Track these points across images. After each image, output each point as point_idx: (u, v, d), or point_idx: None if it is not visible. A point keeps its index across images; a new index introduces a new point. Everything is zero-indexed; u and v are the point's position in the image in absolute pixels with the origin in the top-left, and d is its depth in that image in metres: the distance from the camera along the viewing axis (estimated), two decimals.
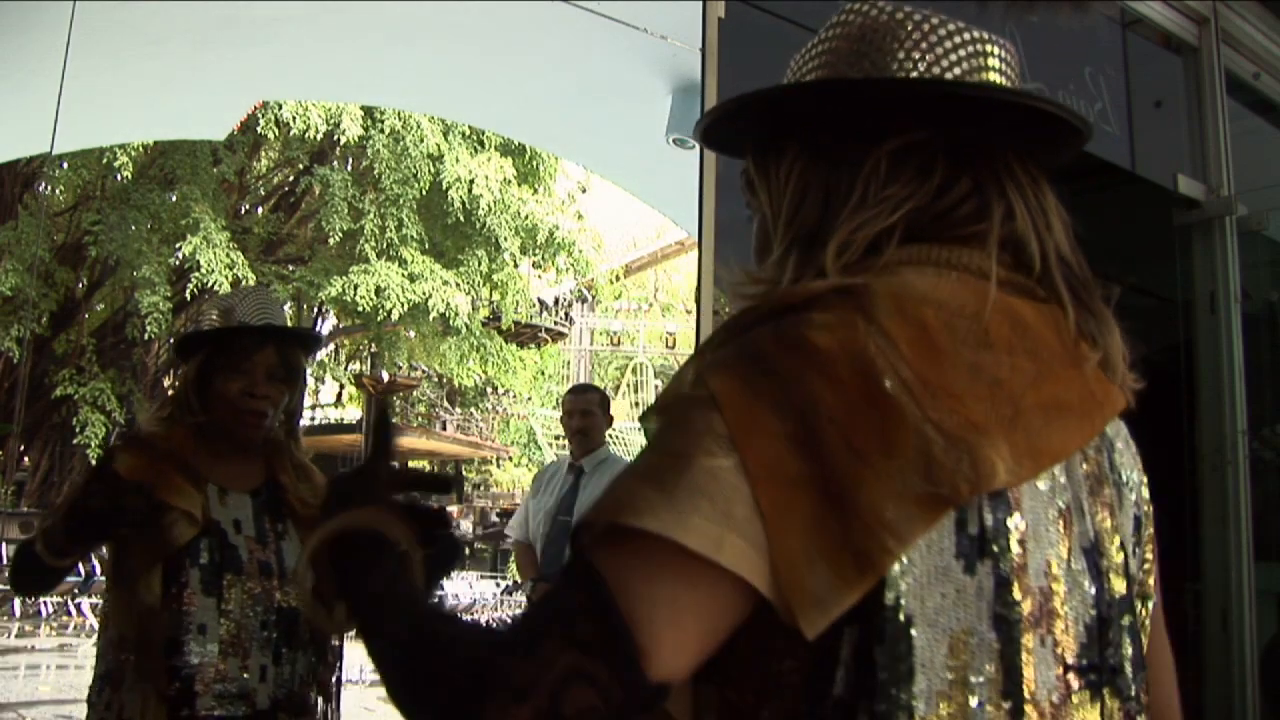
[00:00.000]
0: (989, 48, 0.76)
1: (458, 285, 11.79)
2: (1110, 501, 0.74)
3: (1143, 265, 2.99)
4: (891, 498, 0.59)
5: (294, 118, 9.84)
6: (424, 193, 11.25)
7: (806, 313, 0.65)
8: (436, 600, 0.69)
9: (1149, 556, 0.80)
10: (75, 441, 10.87)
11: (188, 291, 10.53)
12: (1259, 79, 3.19)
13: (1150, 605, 0.80)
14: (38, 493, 12.71)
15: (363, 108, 10.24)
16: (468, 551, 17.32)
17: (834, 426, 0.60)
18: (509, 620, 0.60)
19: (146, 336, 10.86)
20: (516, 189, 11.69)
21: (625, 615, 0.56)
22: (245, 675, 1.62)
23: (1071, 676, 0.66)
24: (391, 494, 0.81)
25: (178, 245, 10.46)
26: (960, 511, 0.62)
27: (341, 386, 20.16)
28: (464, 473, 24.18)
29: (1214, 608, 2.68)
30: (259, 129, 10.20)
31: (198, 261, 10.04)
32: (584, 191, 14.03)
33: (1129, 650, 0.72)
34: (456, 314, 11.66)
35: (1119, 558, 0.73)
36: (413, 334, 14.20)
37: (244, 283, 10.13)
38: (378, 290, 11.18)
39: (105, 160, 10.31)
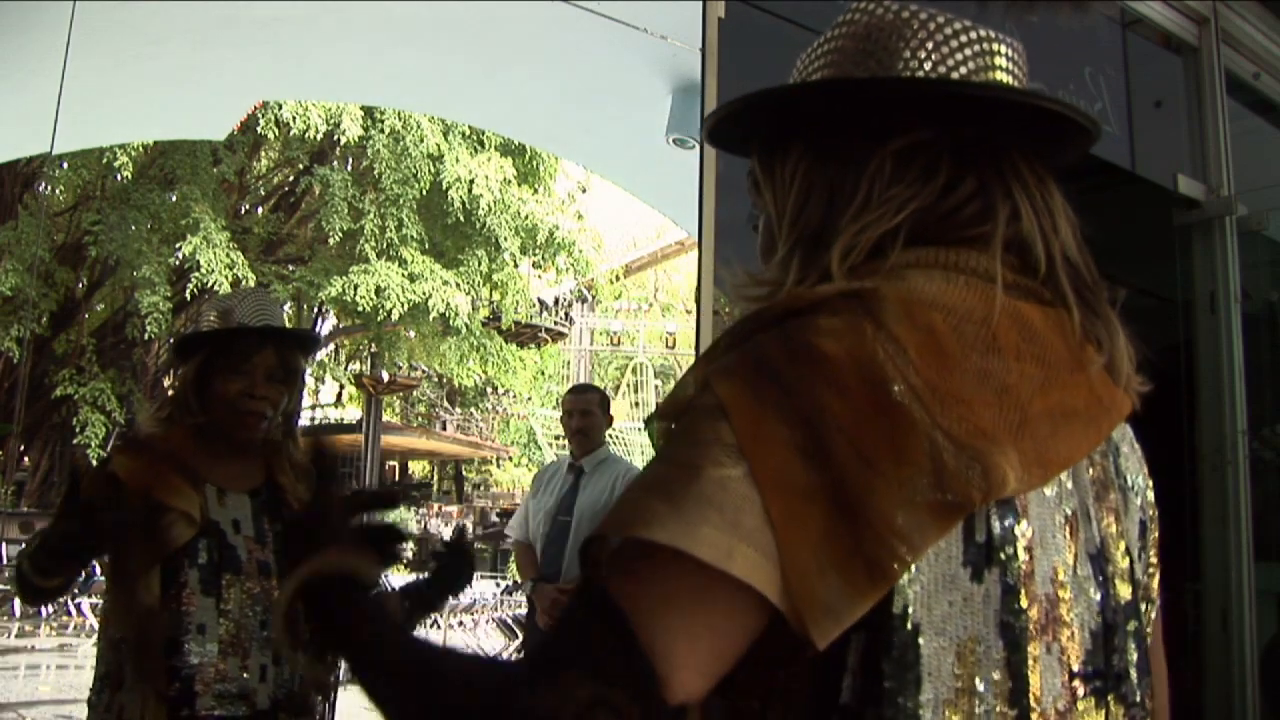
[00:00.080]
0: (996, 46, 0.75)
1: (458, 285, 11.79)
2: (1116, 506, 0.74)
3: (1143, 265, 2.98)
4: (902, 505, 0.58)
5: (294, 118, 9.84)
6: (424, 193, 11.25)
7: (813, 317, 0.64)
8: (425, 637, 0.67)
9: (1153, 560, 0.80)
10: (75, 441, 10.87)
11: (188, 291, 10.53)
12: (1259, 79, 3.19)
13: (1154, 610, 0.80)
14: (38, 493, 12.71)
15: (363, 108, 10.24)
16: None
17: (843, 434, 0.59)
18: (523, 653, 0.60)
19: (146, 336, 10.86)
20: (516, 189, 11.69)
21: (644, 642, 0.56)
22: (245, 675, 1.62)
23: (1077, 684, 0.66)
24: (347, 525, 0.79)
25: (178, 245, 10.46)
26: (968, 519, 0.61)
27: (341, 386, 20.15)
28: (464, 473, 24.19)
29: (1214, 608, 2.68)
30: (259, 129, 10.20)
31: (198, 261, 10.04)
32: (584, 191, 14.03)
33: (1134, 656, 0.71)
34: (456, 314, 11.66)
35: (1124, 563, 0.73)
36: (413, 334, 14.20)
37: (244, 283, 10.13)
38: (378, 290, 11.18)
39: (105, 160, 10.31)
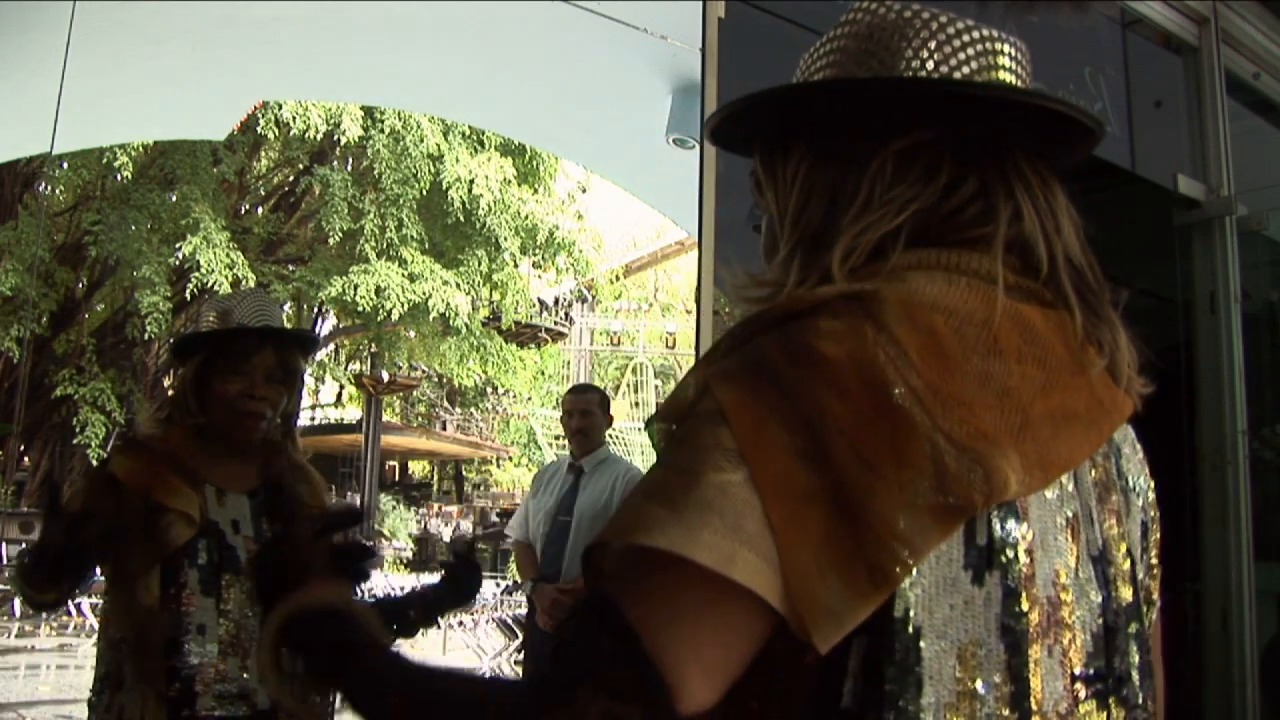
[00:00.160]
0: (999, 46, 0.75)
1: (458, 285, 11.79)
2: (1118, 508, 0.73)
3: (1143, 265, 2.98)
4: (904, 508, 0.58)
5: (294, 118, 9.84)
6: (424, 193, 11.26)
7: (814, 320, 0.64)
8: (423, 661, 0.67)
9: (1155, 562, 0.80)
10: (75, 441, 10.88)
11: (188, 291, 10.53)
12: (1259, 79, 3.19)
13: (1155, 611, 0.79)
14: (38, 493, 12.71)
15: (363, 108, 10.24)
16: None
17: (843, 437, 0.59)
18: (533, 670, 0.60)
19: (146, 336, 10.86)
20: (516, 189, 11.69)
21: (652, 653, 0.56)
22: (245, 675, 1.62)
23: (1079, 686, 0.66)
24: (316, 550, 0.79)
25: (178, 245, 10.46)
26: (969, 522, 0.61)
27: (341, 386, 20.15)
28: (464, 472, 24.19)
29: (1214, 608, 2.68)
30: (259, 129, 10.20)
31: (198, 261, 10.04)
32: (584, 191, 14.03)
33: (1135, 658, 0.71)
34: (456, 314, 11.66)
35: (1126, 565, 0.73)
36: (413, 334, 14.20)
37: (244, 283, 10.14)
38: (378, 290, 11.18)
39: (105, 160, 10.31)
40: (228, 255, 10.25)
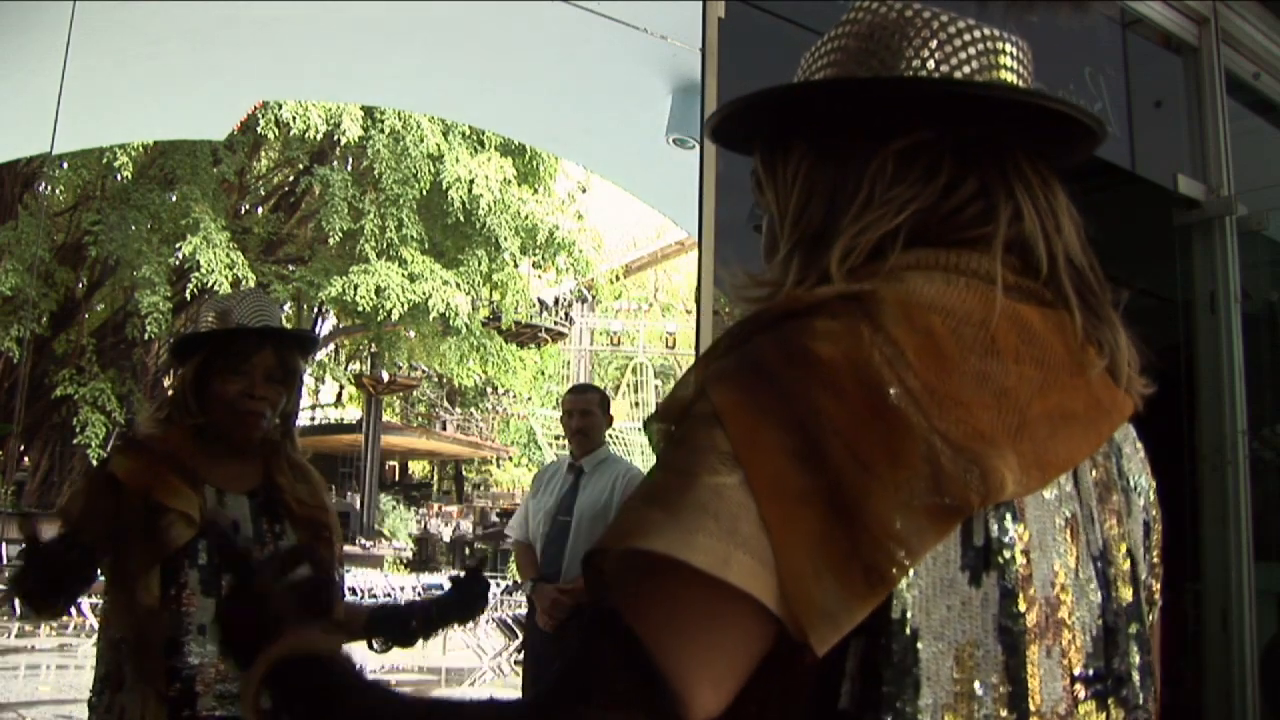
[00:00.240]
0: (1001, 45, 0.75)
1: (458, 285, 11.80)
2: (1118, 508, 0.73)
3: (1143, 265, 2.98)
4: (899, 509, 0.58)
5: (294, 118, 9.85)
6: (424, 193, 11.26)
7: (810, 320, 0.64)
8: (416, 695, 0.67)
9: (1156, 561, 0.80)
10: (75, 441, 10.88)
11: (188, 291, 10.54)
12: (1259, 79, 3.19)
13: (1157, 611, 0.79)
14: (38, 493, 12.71)
15: (363, 108, 10.25)
16: (467, 551, 17.31)
17: (839, 438, 0.59)
18: (538, 684, 0.60)
19: (146, 336, 10.87)
20: (516, 189, 11.70)
21: (658, 663, 0.56)
22: None
23: (1078, 687, 0.66)
24: (280, 595, 0.79)
25: (178, 245, 10.47)
26: (966, 523, 0.61)
27: (341, 386, 20.16)
28: (464, 472, 24.20)
29: (1214, 608, 2.68)
30: (259, 129, 10.21)
31: (198, 261, 10.05)
32: (584, 191, 14.04)
33: (1136, 659, 0.71)
34: (456, 314, 11.67)
35: (1126, 565, 0.72)
36: (413, 334, 14.21)
37: (244, 283, 10.15)
38: (378, 290, 11.19)
39: (105, 160, 10.32)
40: (228, 255, 10.25)
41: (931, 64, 0.73)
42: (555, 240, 12.20)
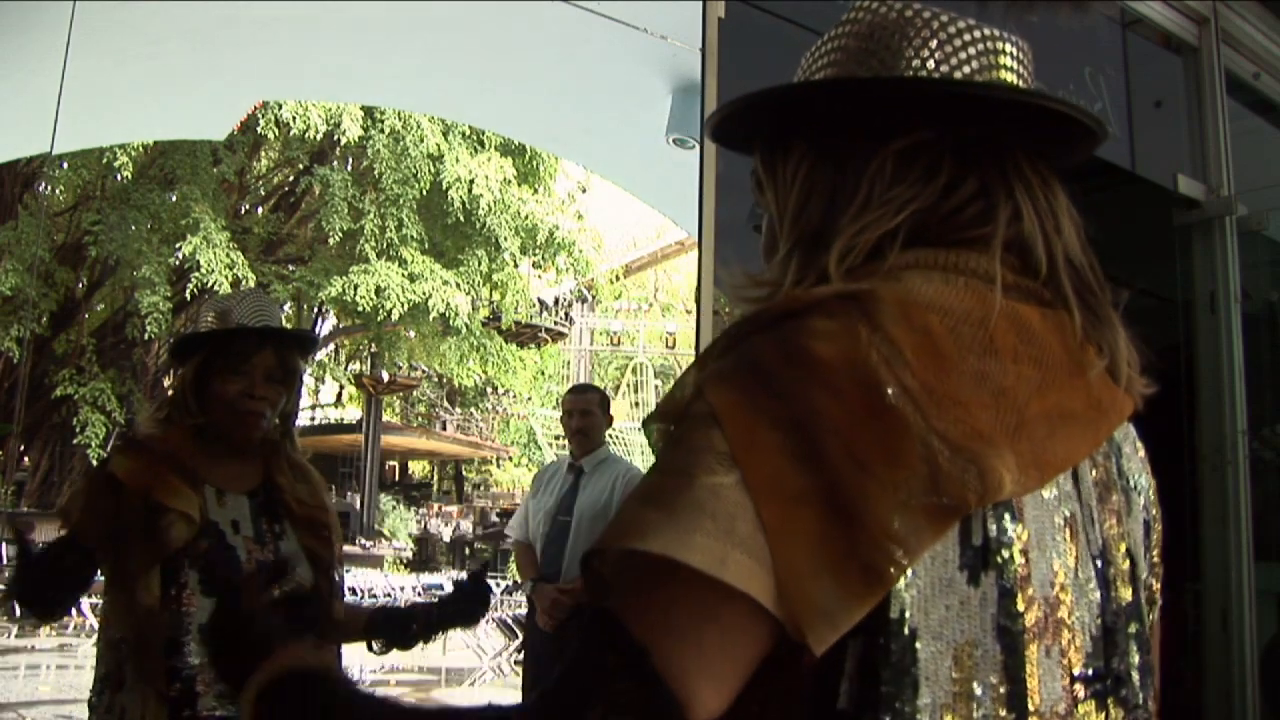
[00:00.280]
0: (1001, 45, 0.75)
1: (458, 285, 11.80)
2: (1118, 508, 0.73)
3: (1143, 265, 2.98)
4: (897, 509, 0.58)
5: (294, 118, 9.85)
6: (424, 193, 11.26)
7: (808, 319, 0.64)
8: (416, 704, 0.68)
9: (1157, 561, 0.79)
10: (75, 441, 10.89)
11: (188, 291, 10.54)
12: (1259, 79, 3.19)
13: (1157, 610, 0.79)
14: (38, 493, 12.72)
15: (363, 108, 10.25)
16: (468, 552, 17.31)
17: (836, 438, 0.59)
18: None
19: (146, 336, 10.87)
20: (516, 189, 11.70)
21: (659, 666, 0.56)
22: None
23: (1078, 686, 0.65)
24: (265, 613, 0.80)
25: (178, 245, 10.48)
26: (964, 522, 0.61)
27: (341, 386, 20.16)
28: (464, 472, 24.20)
29: (1214, 608, 2.68)
30: (259, 129, 10.21)
31: (198, 261, 10.05)
32: (584, 191, 14.04)
33: (1135, 658, 0.71)
34: (456, 314, 11.67)
35: (1125, 565, 0.72)
36: (413, 334, 14.21)
37: (244, 283, 10.15)
38: (378, 290, 11.19)
39: (105, 160, 10.32)
40: (228, 255, 10.26)
41: (931, 64, 0.73)
42: (555, 240, 12.20)
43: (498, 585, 9.62)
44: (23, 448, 12.38)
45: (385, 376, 17.45)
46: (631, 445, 12.69)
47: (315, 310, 14.76)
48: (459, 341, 12.94)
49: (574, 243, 12.41)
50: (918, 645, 0.60)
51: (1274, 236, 3.13)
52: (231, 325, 1.73)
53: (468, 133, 11.19)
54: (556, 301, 20.07)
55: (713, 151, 1.85)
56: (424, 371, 18.37)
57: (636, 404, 17.75)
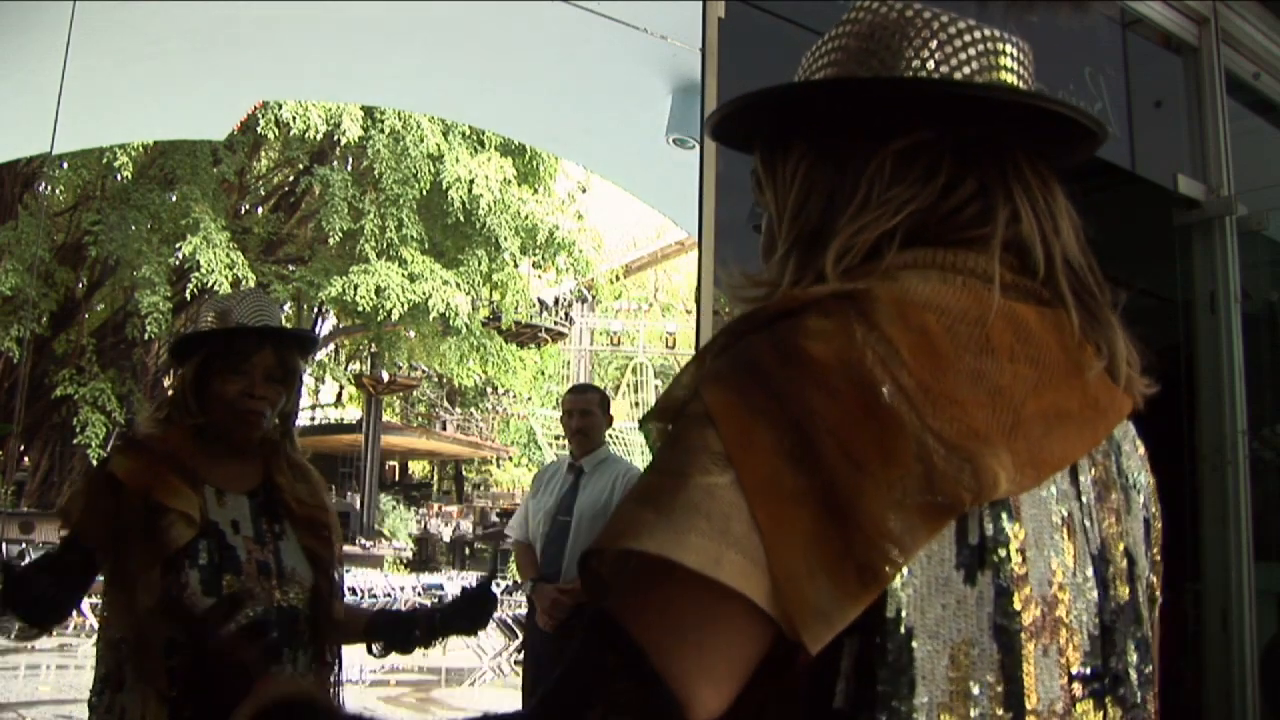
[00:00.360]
0: (1002, 46, 0.75)
1: (458, 285, 11.80)
2: (1117, 507, 0.73)
3: (1143, 265, 2.98)
4: (893, 508, 0.58)
5: (294, 118, 9.85)
6: (424, 193, 11.26)
7: (803, 318, 0.64)
8: None
9: (1157, 558, 0.79)
10: (75, 441, 10.89)
11: (188, 291, 10.54)
12: (1259, 79, 3.19)
13: (1157, 609, 0.79)
14: (38, 493, 12.72)
15: (363, 108, 10.25)
16: (468, 552, 17.31)
17: (831, 437, 0.59)
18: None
19: (146, 336, 10.88)
20: (516, 189, 11.70)
21: (659, 668, 0.56)
22: None
23: (1076, 686, 0.65)
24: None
25: (178, 245, 10.48)
26: (960, 521, 0.61)
27: (341, 386, 20.16)
28: (464, 472, 24.20)
29: (1214, 608, 2.68)
30: (259, 129, 10.22)
31: (198, 261, 10.05)
32: (584, 191, 14.04)
33: (1133, 658, 0.71)
34: (456, 314, 11.67)
35: (1124, 564, 0.72)
36: (413, 334, 14.21)
37: (244, 283, 10.15)
38: (378, 290, 11.19)
39: (105, 160, 10.33)
40: (228, 255, 10.26)
41: (932, 64, 0.73)
42: (555, 240, 12.20)
43: (498, 585, 9.62)
44: (23, 448, 12.38)
45: (385, 376, 17.45)
46: (631, 445, 12.70)
47: (315, 310, 14.76)
48: (459, 341, 12.94)
49: (574, 243, 12.42)
50: (914, 644, 0.60)
51: (1274, 236, 3.13)
52: (231, 325, 1.73)
53: (468, 133, 11.20)
54: (556, 301, 20.07)
55: (713, 151, 1.85)
56: (424, 371, 18.38)
57: (636, 404, 17.75)
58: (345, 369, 18.17)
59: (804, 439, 0.59)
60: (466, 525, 18.35)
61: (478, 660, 7.34)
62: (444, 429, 22.03)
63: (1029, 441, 0.64)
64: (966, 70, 0.73)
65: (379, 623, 1.81)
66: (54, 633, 8.64)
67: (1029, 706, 0.62)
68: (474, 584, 1.87)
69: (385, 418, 19.14)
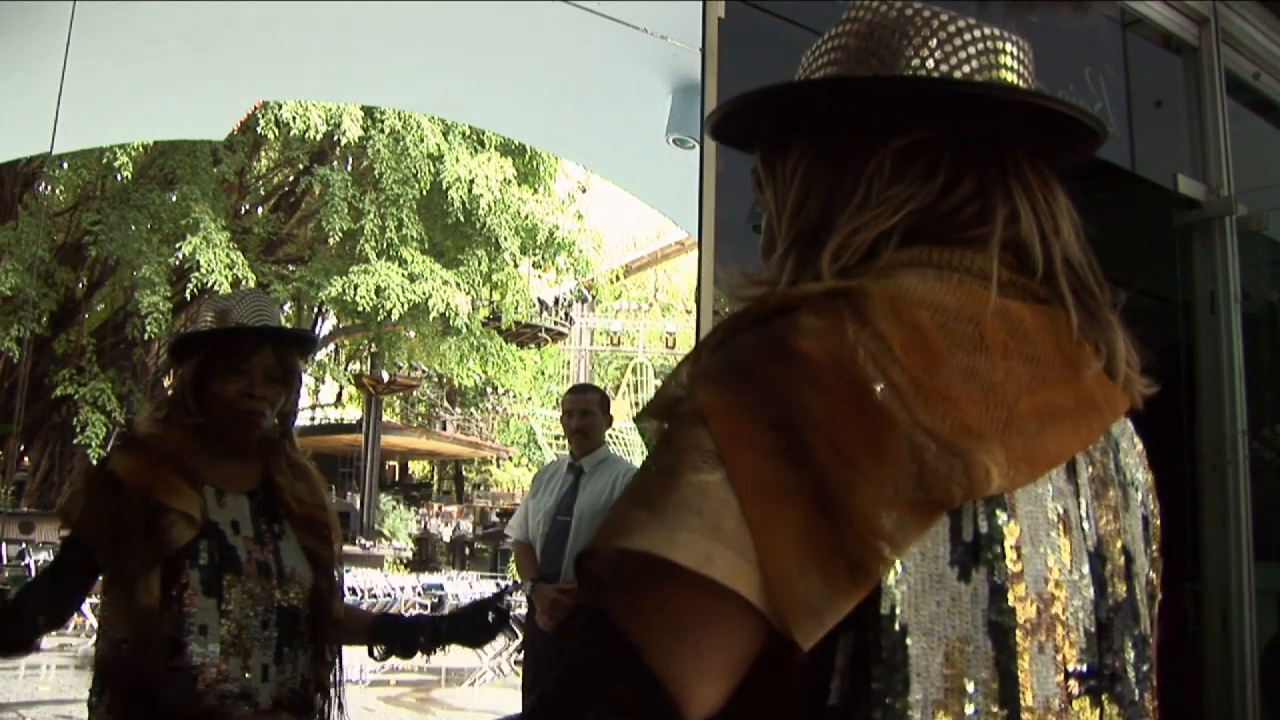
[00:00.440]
0: (1002, 45, 0.75)
1: (458, 285, 11.80)
2: (1114, 504, 0.73)
3: (1143, 265, 2.98)
4: (884, 504, 0.58)
5: (294, 118, 9.85)
6: (424, 193, 11.27)
7: (795, 316, 0.64)
8: None
9: (1156, 556, 0.79)
10: (75, 441, 10.89)
11: (188, 291, 10.54)
12: (1259, 79, 3.19)
13: (1156, 606, 0.79)
14: (38, 493, 12.72)
15: (363, 108, 10.26)
16: (467, 552, 17.31)
17: (822, 434, 0.59)
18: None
19: (146, 336, 10.88)
20: (516, 189, 11.70)
21: (654, 667, 0.56)
22: (247, 675, 1.62)
23: (1072, 683, 0.65)
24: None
25: (178, 245, 10.48)
26: (954, 518, 0.61)
27: (341, 386, 20.16)
28: (464, 472, 24.20)
29: (1214, 608, 2.68)
30: (259, 129, 10.22)
31: (198, 261, 10.05)
32: (584, 191, 14.05)
33: (1130, 655, 0.71)
34: (456, 314, 11.67)
35: (1121, 561, 0.72)
36: (413, 334, 14.21)
37: (244, 283, 10.16)
38: (378, 290, 11.19)
39: (105, 160, 10.33)
40: (228, 255, 10.26)
41: (931, 63, 0.73)
42: (555, 240, 12.20)
43: (498, 585, 9.62)
44: (23, 448, 12.38)
45: (385, 376, 17.45)
46: (631, 445, 12.70)
47: (315, 310, 14.76)
48: (459, 341, 12.94)
49: (574, 243, 12.42)
50: (908, 641, 0.60)
51: (1274, 236, 3.13)
52: (231, 325, 1.73)
53: (468, 133, 11.20)
54: (556, 301, 20.08)
55: (713, 151, 1.85)
56: (424, 371, 18.38)
57: (636, 404, 17.75)
58: (345, 369, 18.18)
59: (795, 436, 0.59)
60: (466, 525, 18.35)
61: (478, 660, 7.34)
62: (444, 429, 22.03)
63: (1023, 438, 0.64)
64: (966, 69, 0.73)
65: (383, 627, 1.82)
66: (54, 632, 8.64)
67: (1024, 704, 0.62)
68: (488, 595, 1.87)
69: (385, 418, 19.14)
